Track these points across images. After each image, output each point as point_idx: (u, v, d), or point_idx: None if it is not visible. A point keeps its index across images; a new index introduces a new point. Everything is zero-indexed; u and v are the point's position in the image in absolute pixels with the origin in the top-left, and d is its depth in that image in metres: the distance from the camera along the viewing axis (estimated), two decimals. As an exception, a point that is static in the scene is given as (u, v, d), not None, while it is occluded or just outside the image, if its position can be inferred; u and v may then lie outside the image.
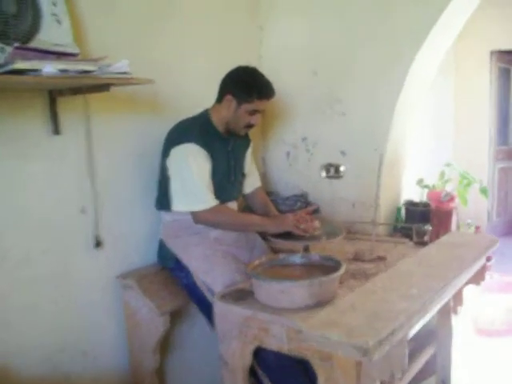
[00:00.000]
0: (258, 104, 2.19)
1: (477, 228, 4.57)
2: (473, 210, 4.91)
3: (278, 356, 1.91)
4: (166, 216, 2.30)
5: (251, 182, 2.55)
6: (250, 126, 2.27)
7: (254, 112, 2.20)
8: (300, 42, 2.94)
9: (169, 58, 2.51)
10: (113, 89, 1.91)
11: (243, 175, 2.47)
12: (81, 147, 2.16)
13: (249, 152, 2.50)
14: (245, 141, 2.45)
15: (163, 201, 2.24)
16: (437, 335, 2.44)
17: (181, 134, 2.17)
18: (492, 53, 5.69)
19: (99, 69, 1.74)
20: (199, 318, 2.33)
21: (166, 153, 2.18)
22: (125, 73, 1.81)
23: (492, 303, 3.53)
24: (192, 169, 2.10)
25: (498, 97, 5.91)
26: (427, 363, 2.35)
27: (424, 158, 3.87)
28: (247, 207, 2.64)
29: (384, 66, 2.68)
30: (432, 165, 3.65)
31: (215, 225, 2.21)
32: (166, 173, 2.18)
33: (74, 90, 1.96)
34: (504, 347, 3.45)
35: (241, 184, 2.46)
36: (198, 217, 2.15)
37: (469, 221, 4.38)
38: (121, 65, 1.79)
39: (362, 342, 1.35)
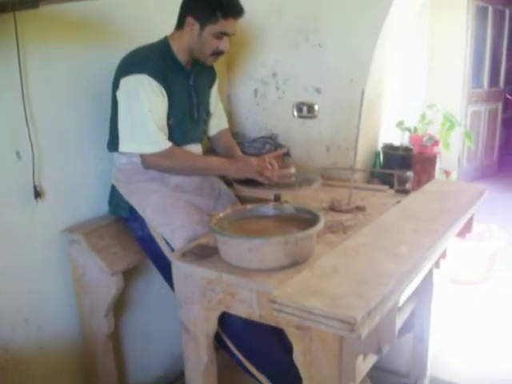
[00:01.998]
0: (224, 24, 1.90)
1: (446, 173, 4.43)
2: (443, 154, 4.78)
3: (247, 321, 1.69)
4: (119, 158, 2.02)
5: (217, 123, 2.28)
6: (218, 54, 1.99)
7: (220, 35, 1.92)
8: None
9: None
10: (50, 9, 1.62)
11: (208, 114, 2.21)
12: (12, 81, 1.81)
13: (214, 88, 2.23)
14: (209, 74, 2.18)
15: (116, 141, 1.96)
16: (416, 291, 2.26)
17: (133, 63, 1.88)
18: (469, -10, 5.41)
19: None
20: (157, 275, 2.09)
21: (116, 84, 1.90)
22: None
23: (469, 252, 3.43)
24: (142, 104, 1.83)
25: (475, 37, 5.67)
26: (405, 319, 2.18)
27: (402, 98, 3.64)
28: (211, 151, 2.37)
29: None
30: (410, 106, 3.43)
31: (166, 170, 1.97)
32: (117, 107, 1.91)
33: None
34: (481, 295, 3.39)
35: (205, 124, 2.20)
36: (146, 161, 1.91)
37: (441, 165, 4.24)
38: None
39: (348, 315, 1.12)
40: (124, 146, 1.90)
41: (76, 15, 1.95)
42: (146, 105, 1.83)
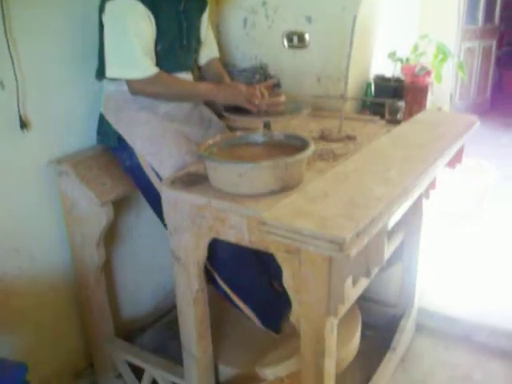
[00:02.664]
0: None
1: (438, 110, 4.39)
2: (435, 90, 4.72)
3: (233, 248, 1.70)
4: (108, 85, 1.98)
5: (207, 52, 2.23)
6: None
7: None
8: None
9: None
10: None
11: (199, 42, 2.15)
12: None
13: (205, 15, 2.16)
14: (200, 1, 2.11)
15: (104, 67, 1.91)
16: (406, 220, 2.28)
17: None
18: None
19: None
20: (148, 206, 2.08)
21: (102, 8, 1.83)
22: None
23: (459, 185, 3.45)
24: (128, 29, 1.77)
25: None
26: (394, 249, 2.21)
27: (395, 29, 3.54)
28: (201, 80, 2.31)
29: None
30: (402, 37, 3.34)
31: (153, 96, 1.93)
32: (103, 33, 1.85)
33: None
34: (471, 229, 3.43)
35: (196, 52, 2.15)
36: (133, 86, 1.87)
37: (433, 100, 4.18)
38: None
39: (337, 235, 1.12)
40: (110, 70, 1.85)
41: None
42: (131, 29, 1.77)
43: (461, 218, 3.55)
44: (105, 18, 1.82)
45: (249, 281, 1.97)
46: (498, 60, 7.27)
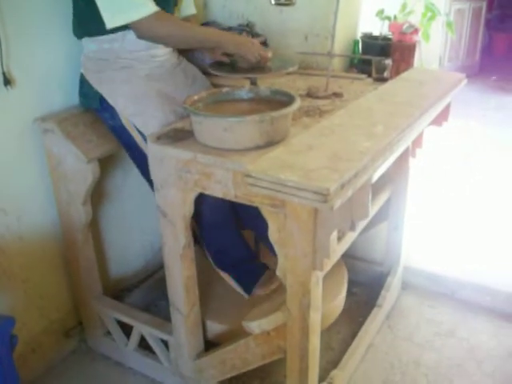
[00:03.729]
0: None
1: (427, 70, 4.38)
2: (423, 50, 4.69)
3: (213, 211, 1.71)
4: (88, 44, 1.92)
5: (183, 7, 2.14)
6: None
7: None
8: None
9: None
10: None
11: None
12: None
13: None
14: None
15: (84, 24, 1.87)
16: (392, 179, 2.30)
17: None
18: None
19: None
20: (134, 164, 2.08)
21: None
22: None
23: (446, 144, 3.46)
24: None
25: None
26: (380, 208, 2.23)
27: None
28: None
29: None
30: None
31: (162, 37, 1.83)
32: None
33: None
34: (457, 188, 3.45)
35: (176, 5, 2.06)
36: (140, 27, 1.77)
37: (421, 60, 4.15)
38: None
39: (321, 186, 1.13)
40: (109, 21, 1.76)
41: None
42: None
43: (447, 177, 3.57)
44: None
45: (226, 244, 2.03)
46: (488, 22, 7.23)
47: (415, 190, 2.62)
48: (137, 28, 1.78)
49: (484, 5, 6.43)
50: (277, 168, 1.23)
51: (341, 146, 1.38)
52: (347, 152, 1.33)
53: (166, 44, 1.92)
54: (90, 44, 1.91)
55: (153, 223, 2.51)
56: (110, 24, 1.77)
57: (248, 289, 2.05)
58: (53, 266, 2.21)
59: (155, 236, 2.61)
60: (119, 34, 1.85)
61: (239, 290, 2.07)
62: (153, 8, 1.74)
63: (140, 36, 1.81)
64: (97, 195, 2.28)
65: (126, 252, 2.59)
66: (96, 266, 2.23)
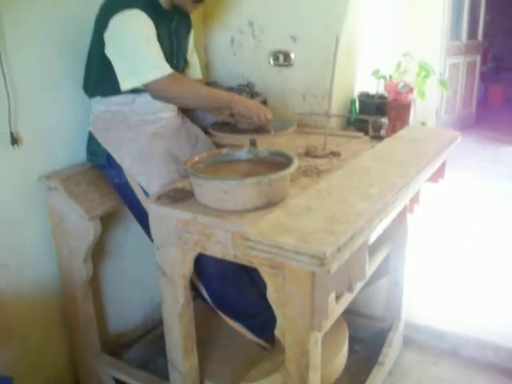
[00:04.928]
0: None
1: (422, 124, 4.45)
2: (420, 105, 4.78)
3: (220, 264, 1.72)
4: (98, 105, 2.00)
5: (190, 73, 2.27)
6: (198, 1, 2.00)
7: None
8: None
9: None
10: None
11: (186, 62, 2.19)
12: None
13: (191, 37, 2.21)
14: (187, 22, 2.16)
15: (96, 85, 1.95)
16: (391, 235, 2.32)
17: (120, 1, 1.83)
18: None
19: None
20: (136, 222, 2.10)
21: (102, 26, 1.83)
22: None
23: (444, 200, 3.49)
24: (139, 34, 1.81)
25: (454, -12, 5.61)
26: (380, 264, 2.24)
27: (379, 48, 3.61)
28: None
29: None
30: (387, 56, 3.41)
31: (175, 97, 1.92)
32: (100, 51, 1.86)
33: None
34: (455, 242, 3.45)
35: (183, 71, 2.17)
36: (154, 88, 1.84)
37: (417, 117, 4.23)
38: None
39: (318, 250, 1.15)
40: (125, 83, 1.85)
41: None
42: (143, 34, 1.81)
43: (446, 230, 3.58)
44: (109, 34, 1.82)
45: (236, 296, 1.98)
46: (483, 75, 7.40)
47: (414, 244, 2.62)
48: (151, 89, 1.85)
49: (478, 58, 6.59)
50: (275, 231, 1.25)
51: (338, 207, 1.40)
52: (344, 214, 1.35)
53: (179, 104, 2.00)
54: (100, 104, 1.99)
55: (152, 278, 2.50)
56: (124, 85, 1.85)
57: (269, 339, 2.00)
58: (51, 322, 2.21)
59: (154, 291, 2.59)
60: (129, 96, 1.92)
61: (258, 341, 2.02)
62: (167, 70, 1.83)
63: (154, 96, 1.88)
64: (98, 251, 2.29)
65: (125, 307, 2.59)
66: (95, 323, 2.23)
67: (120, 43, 1.83)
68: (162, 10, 1.95)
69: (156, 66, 1.82)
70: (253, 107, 1.95)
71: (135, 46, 1.81)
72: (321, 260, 1.15)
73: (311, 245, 1.18)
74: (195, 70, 2.28)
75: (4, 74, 1.83)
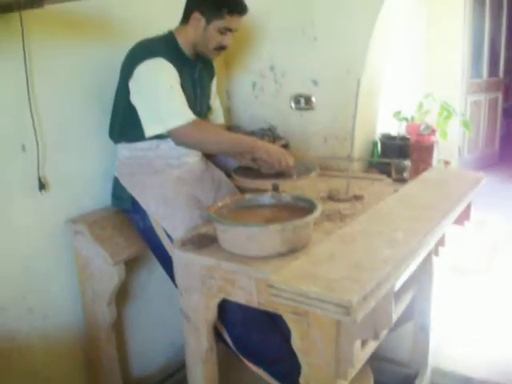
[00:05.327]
0: (229, 21, 1.97)
1: (446, 163, 4.42)
2: (442, 144, 4.77)
3: (244, 309, 1.71)
4: (123, 150, 2.04)
5: (213, 119, 2.32)
6: (221, 48, 2.05)
7: (225, 31, 1.99)
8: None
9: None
10: (54, 8, 1.67)
11: (209, 108, 2.24)
12: (18, 76, 1.84)
13: (213, 83, 2.27)
14: (210, 69, 2.22)
15: (122, 131, 2.00)
16: (416, 278, 2.29)
17: (145, 50, 1.91)
18: (467, -20, 5.39)
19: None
20: (159, 265, 2.12)
21: (127, 74, 1.90)
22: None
23: (470, 241, 3.43)
24: (164, 82, 1.87)
25: (473, 27, 5.64)
26: (406, 308, 2.20)
27: (400, 89, 3.65)
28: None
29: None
30: (408, 97, 3.43)
31: (199, 143, 1.96)
32: (126, 98, 1.92)
33: (4, 6, 1.65)
34: (483, 285, 3.39)
35: (206, 117, 2.22)
36: (178, 135, 1.89)
37: (440, 156, 4.21)
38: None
39: (344, 298, 1.14)
40: (149, 130, 1.90)
41: (79, 13, 1.99)
42: (167, 82, 1.86)
43: (472, 274, 3.52)
44: (134, 83, 1.89)
45: (260, 340, 1.95)
46: (505, 112, 7.35)
47: (441, 287, 2.58)
48: (175, 135, 1.90)
49: (500, 95, 6.58)
50: (299, 279, 1.25)
51: (362, 254, 1.39)
52: (369, 261, 1.35)
53: (202, 149, 2.04)
54: (125, 150, 2.03)
55: (175, 321, 2.49)
56: (149, 132, 1.91)
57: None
58: (75, 364, 2.21)
59: (177, 334, 2.59)
60: (154, 142, 1.97)
61: None
62: (190, 117, 1.88)
63: (177, 143, 1.93)
64: (121, 294, 2.30)
65: (147, 350, 2.58)
66: (118, 366, 2.22)
67: (145, 91, 1.88)
68: (185, 58, 2.01)
69: (179, 113, 1.86)
70: (275, 153, 1.97)
71: (159, 93, 1.86)
72: (347, 309, 1.14)
73: (336, 293, 1.17)
74: (218, 115, 2.34)
75: (34, 122, 1.89)
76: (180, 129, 1.86)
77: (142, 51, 1.91)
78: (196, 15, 1.97)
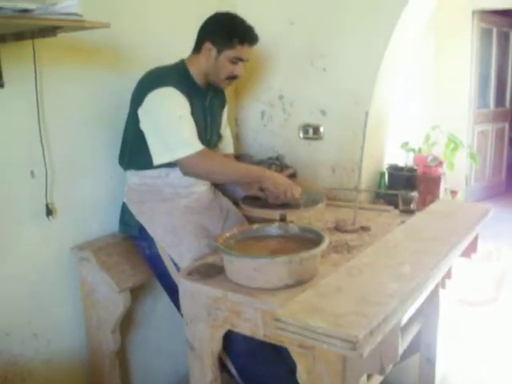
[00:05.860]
0: (240, 50, 1.98)
1: (453, 193, 4.42)
2: (449, 173, 4.78)
3: (249, 340, 1.70)
4: (133, 177, 2.05)
5: (222, 147, 2.32)
6: (232, 78, 2.06)
7: (236, 60, 2.00)
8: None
9: (132, 5, 2.22)
10: (65, 36, 1.66)
11: (219, 137, 2.24)
12: (29, 103, 1.87)
13: (224, 112, 2.29)
14: (221, 98, 2.24)
15: (131, 159, 2.01)
16: (422, 311, 2.27)
17: (156, 79, 1.92)
18: (474, 12, 5.46)
19: (42, 8, 1.46)
20: (164, 293, 2.12)
21: (138, 102, 1.91)
22: (74, 14, 1.53)
23: (477, 272, 3.41)
24: (173, 112, 1.87)
25: (480, 58, 5.71)
26: (412, 340, 2.18)
27: (407, 120, 3.67)
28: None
29: (370, 18, 2.43)
30: (416, 128, 3.46)
31: (206, 173, 1.96)
32: (135, 126, 1.93)
33: (17, 35, 1.67)
34: (490, 316, 3.36)
35: (216, 146, 2.22)
36: (185, 164, 1.89)
37: (447, 185, 4.22)
38: (69, 3, 1.51)
39: (350, 334, 1.14)
40: (157, 158, 1.90)
41: (90, 41, 2.02)
42: (176, 112, 1.87)
43: (479, 305, 3.49)
44: (144, 111, 1.90)
45: (265, 372, 1.94)
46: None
47: (447, 319, 2.56)
48: (183, 165, 1.90)
49: (506, 125, 6.60)
50: (306, 312, 1.25)
51: (369, 287, 1.39)
52: (376, 294, 1.34)
53: (209, 179, 2.04)
54: (134, 177, 2.04)
55: (179, 350, 2.49)
56: (157, 160, 1.91)
57: None
58: (77, 392, 2.19)
59: (181, 363, 2.58)
60: (163, 170, 1.97)
61: None
62: (198, 147, 1.88)
63: (185, 172, 1.93)
64: (126, 322, 2.29)
65: (151, 378, 2.55)
66: (121, 394, 2.20)
67: (154, 120, 1.90)
68: (196, 87, 2.03)
69: (188, 144, 1.87)
70: (281, 184, 1.96)
71: (168, 123, 1.88)
72: (353, 344, 1.13)
73: (343, 328, 1.17)
74: (228, 144, 2.34)
75: (43, 148, 1.91)
76: (188, 158, 1.87)
77: (153, 80, 1.93)
78: (207, 45, 1.98)
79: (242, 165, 2.09)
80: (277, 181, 1.96)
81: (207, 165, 1.91)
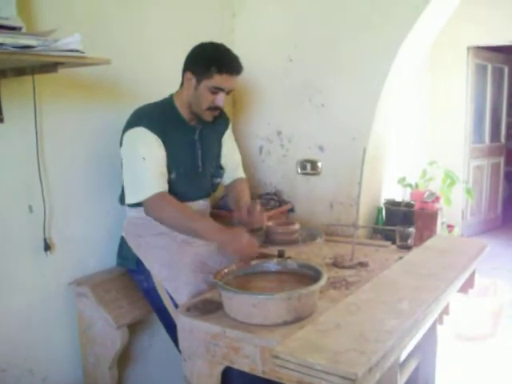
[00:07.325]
0: (218, 80, 1.93)
1: (449, 227, 4.44)
2: (446, 208, 4.81)
3: (248, 377, 1.69)
4: (130, 211, 2.06)
5: (229, 173, 2.27)
6: (214, 109, 2.01)
7: (215, 90, 1.95)
8: (275, 28, 2.74)
9: (133, 41, 2.28)
10: (65, 71, 1.71)
11: (218, 167, 2.21)
12: (28, 138, 1.90)
13: (226, 138, 2.24)
14: (219, 129, 2.20)
15: (123, 195, 2.02)
16: (421, 346, 2.26)
17: (132, 118, 1.96)
18: (469, 49, 5.56)
19: (44, 44, 1.49)
20: (161, 329, 2.10)
21: (121, 142, 1.98)
22: (76, 50, 1.57)
23: (474, 307, 3.40)
24: (137, 154, 1.89)
25: (475, 94, 5.80)
26: (409, 376, 2.17)
27: (404, 155, 3.72)
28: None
29: (368, 55, 2.49)
30: (412, 163, 3.50)
31: (159, 218, 1.92)
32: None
33: (18, 70, 1.71)
34: (488, 351, 3.34)
35: (214, 178, 2.19)
36: (145, 207, 1.91)
37: (443, 219, 4.24)
38: (71, 40, 1.54)
39: (349, 371, 1.14)
40: (127, 198, 1.94)
41: (89, 76, 2.06)
42: (140, 154, 1.88)
43: (476, 340, 3.47)
44: (122, 151, 1.95)
45: None
46: (507, 176, 7.41)
47: (445, 355, 2.54)
48: (144, 207, 1.92)
49: (502, 160, 6.65)
50: (304, 350, 1.25)
51: (368, 324, 1.39)
52: (374, 331, 1.35)
53: (165, 225, 1.96)
54: (131, 211, 2.05)
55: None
56: (128, 200, 1.95)
57: None
58: (74, 430, 2.16)
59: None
60: None
61: None
62: (155, 189, 1.87)
63: (146, 214, 1.93)
64: (123, 357, 2.27)
65: (148, 415, 2.52)
66: (117, 432, 2.17)
67: (124, 160, 1.95)
68: (182, 122, 2.02)
69: (145, 187, 1.87)
70: (232, 246, 1.83)
71: (132, 165, 1.92)
72: (352, 381, 1.14)
73: (342, 365, 1.17)
74: (234, 169, 2.28)
75: (42, 183, 1.93)
76: (146, 201, 1.89)
77: (129, 120, 1.96)
78: (188, 75, 1.97)
79: (194, 221, 1.90)
80: (225, 241, 1.85)
81: (159, 210, 1.89)
